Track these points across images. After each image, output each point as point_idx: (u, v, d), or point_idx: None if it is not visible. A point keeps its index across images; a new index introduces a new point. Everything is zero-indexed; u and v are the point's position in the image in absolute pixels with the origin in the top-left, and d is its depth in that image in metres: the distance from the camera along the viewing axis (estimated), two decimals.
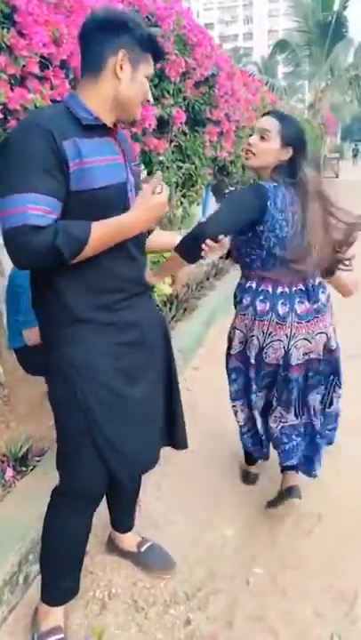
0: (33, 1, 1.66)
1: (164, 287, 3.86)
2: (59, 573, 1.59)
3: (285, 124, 1.82)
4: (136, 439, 1.47)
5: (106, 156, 1.31)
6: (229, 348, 2.09)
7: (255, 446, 2.23)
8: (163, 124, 3.36)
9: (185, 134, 3.96)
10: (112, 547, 1.94)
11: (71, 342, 1.37)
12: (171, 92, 3.22)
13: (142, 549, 1.89)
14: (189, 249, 1.65)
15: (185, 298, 4.13)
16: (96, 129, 1.30)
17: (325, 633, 1.64)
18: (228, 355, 2.11)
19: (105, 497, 1.86)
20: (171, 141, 3.82)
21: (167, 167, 3.71)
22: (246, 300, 1.93)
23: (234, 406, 2.18)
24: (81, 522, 1.55)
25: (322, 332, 1.92)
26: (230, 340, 2.08)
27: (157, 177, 1.30)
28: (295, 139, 1.82)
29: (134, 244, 1.39)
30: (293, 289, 1.88)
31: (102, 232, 1.26)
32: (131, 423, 1.46)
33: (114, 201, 1.29)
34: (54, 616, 1.60)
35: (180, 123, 3.41)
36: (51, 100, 1.95)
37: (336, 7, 14.62)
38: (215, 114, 4.11)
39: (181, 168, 4.09)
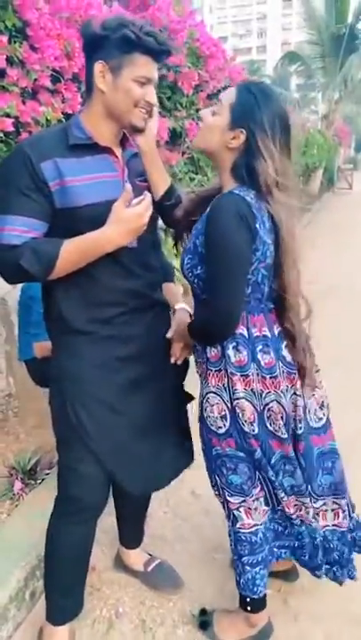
0: (45, 15, 1.67)
1: None
2: (61, 588, 1.55)
3: (243, 95, 1.29)
4: (135, 454, 1.46)
5: (95, 173, 1.32)
6: (227, 427, 1.42)
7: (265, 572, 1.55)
8: (175, 137, 3.37)
9: None
10: (120, 564, 1.91)
11: (67, 353, 1.41)
12: (183, 104, 3.22)
13: (149, 568, 1.85)
14: (211, 340, 1.40)
15: None
16: (87, 148, 1.32)
17: None
18: (222, 437, 1.44)
19: (115, 512, 1.83)
20: (183, 153, 3.83)
21: (180, 179, 3.71)
22: (242, 355, 1.37)
23: (237, 508, 1.50)
24: (80, 532, 1.52)
25: None
26: (226, 417, 1.41)
27: (127, 189, 1.27)
28: (250, 117, 1.27)
29: (132, 260, 1.39)
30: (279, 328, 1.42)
31: (75, 247, 1.27)
32: (129, 436, 1.45)
33: (105, 217, 1.27)
34: (58, 636, 1.57)
35: (193, 135, 3.41)
36: (62, 114, 1.96)
37: (350, 20, 14.66)
38: None
39: (194, 180, 4.09)
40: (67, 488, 1.48)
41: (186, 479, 2.40)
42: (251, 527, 1.50)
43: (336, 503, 1.57)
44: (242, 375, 1.36)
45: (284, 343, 1.39)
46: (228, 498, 1.49)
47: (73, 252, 1.28)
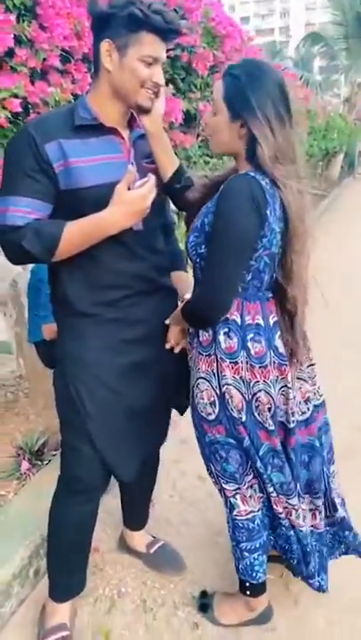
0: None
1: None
2: (63, 566, 1.58)
3: (228, 83, 1.26)
4: (134, 437, 1.47)
5: (100, 155, 1.30)
6: (216, 413, 1.40)
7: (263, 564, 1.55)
8: (190, 119, 3.32)
9: None
10: (123, 545, 1.93)
11: (71, 335, 1.42)
12: (198, 85, 3.17)
13: (152, 550, 1.87)
14: (201, 323, 1.38)
15: None
16: (93, 129, 1.30)
17: None
18: (212, 423, 1.42)
19: (120, 493, 1.85)
20: (198, 136, 3.78)
21: (194, 162, 3.67)
22: (232, 342, 1.34)
23: (233, 495, 1.49)
24: (81, 511, 1.53)
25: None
26: (215, 403, 1.40)
27: (130, 170, 1.25)
28: (241, 102, 1.23)
29: (137, 242, 1.38)
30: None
31: (78, 229, 1.27)
32: (127, 420, 1.45)
33: (109, 199, 1.26)
34: (60, 613, 1.60)
35: None
36: (72, 94, 1.94)
37: None
38: None
39: (209, 163, 4.04)
40: (68, 468, 1.49)
41: (193, 463, 2.42)
42: (247, 514, 1.50)
43: (313, 503, 1.56)
44: (231, 362, 1.35)
45: (278, 333, 1.36)
46: (224, 485, 1.49)
47: (76, 233, 1.27)
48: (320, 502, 1.55)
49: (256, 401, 1.37)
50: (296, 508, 1.48)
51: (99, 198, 1.27)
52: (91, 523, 1.58)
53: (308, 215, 1.32)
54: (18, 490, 2.07)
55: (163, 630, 1.64)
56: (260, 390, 1.36)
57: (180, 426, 2.79)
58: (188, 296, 1.54)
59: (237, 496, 1.50)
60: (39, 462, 2.18)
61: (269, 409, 1.37)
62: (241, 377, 1.36)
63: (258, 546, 1.54)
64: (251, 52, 3.84)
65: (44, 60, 1.73)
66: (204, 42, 3.03)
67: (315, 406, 1.50)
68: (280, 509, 1.48)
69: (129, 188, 1.26)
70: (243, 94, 1.23)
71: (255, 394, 1.36)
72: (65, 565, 1.58)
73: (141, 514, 1.91)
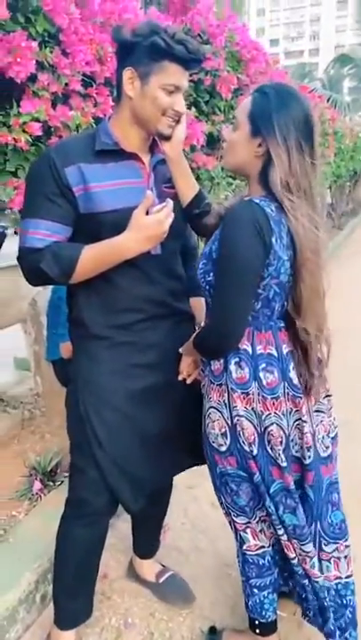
0: (76, 21, 1.67)
1: None
2: (68, 591, 1.55)
3: (257, 101, 1.24)
4: (144, 464, 1.44)
5: (120, 179, 1.32)
6: (227, 444, 1.35)
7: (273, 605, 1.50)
8: (213, 141, 3.33)
9: None
10: (132, 572, 1.89)
11: (84, 356, 1.42)
12: (222, 108, 3.18)
13: (161, 580, 1.82)
14: (211, 353, 1.35)
15: None
16: (113, 154, 1.32)
17: None
18: (224, 455, 1.37)
19: (131, 520, 1.81)
20: (221, 158, 3.79)
21: (217, 183, 3.68)
22: (243, 372, 1.29)
23: (244, 529, 1.44)
24: (87, 535, 1.50)
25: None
26: (226, 434, 1.34)
27: (148, 196, 1.25)
28: (263, 122, 1.21)
29: (154, 267, 1.38)
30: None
31: (95, 252, 1.28)
32: (138, 447, 1.42)
33: (127, 223, 1.26)
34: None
35: None
36: (93, 118, 1.96)
37: None
38: None
39: (232, 184, 4.04)
40: (75, 490, 1.47)
41: (206, 489, 2.37)
42: (258, 549, 1.45)
43: (348, 546, 1.46)
44: (242, 392, 1.30)
45: (292, 364, 1.31)
46: (234, 518, 1.44)
47: (92, 257, 1.28)
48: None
49: (268, 434, 1.31)
50: (311, 555, 1.37)
51: (117, 222, 1.27)
52: (97, 547, 1.55)
53: (323, 248, 1.28)
54: (29, 510, 2.05)
55: None
56: (272, 423, 1.30)
57: None
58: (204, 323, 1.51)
59: (248, 530, 1.44)
60: (51, 483, 2.16)
61: (281, 442, 1.31)
62: (253, 408, 1.30)
63: (268, 583, 1.48)
64: (276, 74, 3.85)
65: (66, 84, 1.76)
66: (229, 65, 3.04)
67: (331, 438, 1.45)
68: (292, 554, 1.39)
69: (147, 213, 1.26)
70: (268, 112, 1.21)
71: (267, 427, 1.30)
72: (70, 590, 1.54)
73: (151, 542, 1.86)
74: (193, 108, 2.88)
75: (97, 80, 1.93)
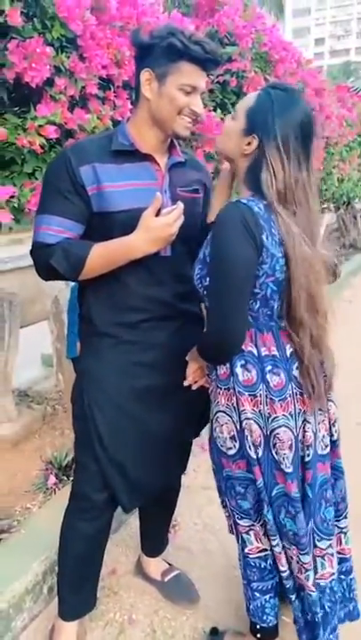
0: (90, 27, 1.70)
1: None
2: (71, 583, 1.58)
3: (260, 100, 1.24)
4: (144, 464, 1.45)
5: (133, 180, 1.33)
6: (237, 447, 1.34)
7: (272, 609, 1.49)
8: None
9: None
10: (139, 570, 1.91)
11: (90, 353, 1.44)
12: None
13: (167, 578, 1.84)
14: (215, 359, 1.34)
15: None
16: (129, 154, 1.34)
17: None
18: (232, 458, 1.36)
19: (139, 518, 1.83)
20: None
21: None
22: (250, 374, 1.28)
23: (246, 531, 1.44)
24: (89, 530, 1.52)
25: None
26: (235, 437, 1.33)
27: (157, 197, 1.27)
28: (262, 122, 1.21)
29: (163, 268, 1.39)
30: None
31: (103, 251, 1.31)
32: (140, 446, 1.43)
33: (137, 224, 1.29)
34: (68, 632, 1.59)
35: None
36: (112, 121, 2.00)
37: None
38: None
39: None
40: (77, 484, 1.50)
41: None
42: (259, 551, 1.44)
43: (338, 527, 1.47)
44: (250, 395, 1.29)
45: (296, 364, 1.30)
46: (238, 520, 1.44)
47: (101, 255, 1.31)
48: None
49: (274, 438, 1.29)
50: (308, 567, 1.35)
51: (127, 223, 1.30)
52: (100, 541, 1.57)
53: (318, 263, 1.26)
54: (43, 503, 2.10)
55: None
56: (279, 426, 1.28)
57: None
58: None
59: (251, 532, 1.44)
60: (65, 478, 2.20)
61: (290, 447, 1.29)
62: (260, 410, 1.29)
63: (270, 587, 1.47)
64: (308, 74, 3.80)
65: (83, 88, 1.80)
66: (256, 66, 3.03)
67: (332, 442, 1.43)
68: (283, 567, 1.37)
69: (158, 215, 1.28)
70: (268, 113, 1.21)
71: (274, 430, 1.28)
72: (73, 583, 1.58)
73: (158, 541, 1.88)
74: (218, 110, 2.87)
75: (115, 83, 1.97)
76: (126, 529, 2.16)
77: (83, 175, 1.29)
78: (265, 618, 1.48)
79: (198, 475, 2.54)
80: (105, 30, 1.84)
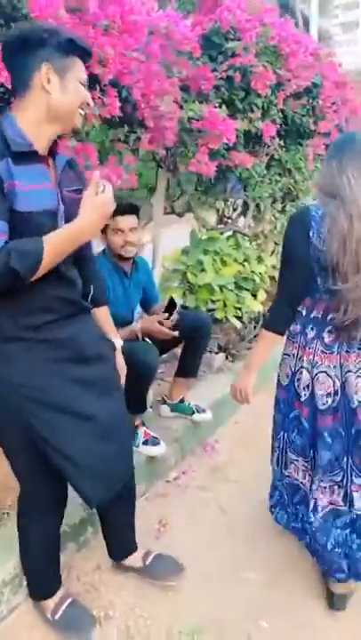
0: (67, 26, 1.72)
1: (252, 304, 3.75)
2: (33, 574, 1.68)
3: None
4: (94, 451, 1.44)
5: (35, 182, 1.29)
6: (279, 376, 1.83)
7: (287, 516, 1.93)
8: (250, 138, 3.28)
9: (284, 148, 3.82)
10: (119, 565, 1.91)
11: (5, 361, 1.37)
12: (259, 105, 3.11)
13: (148, 561, 1.85)
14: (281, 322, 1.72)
15: None
16: (27, 155, 1.27)
17: None
18: (278, 383, 1.84)
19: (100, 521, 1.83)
20: (267, 155, 3.71)
21: (258, 182, 3.60)
22: (298, 327, 1.71)
23: (274, 444, 1.89)
24: (39, 530, 1.58)
25: None
26: (280, 367, 1.82)
27: (95, 176, 1.28)
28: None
29: (66, 266, 1.37)
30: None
31: (55, 242, 1.26)
32: (84, 436, 1.43)
33: (41, 227, 1.26)
34: (54, 597, 1.68)
35: (271, 137, 3.28)
36: (101, 118, 2.03)
37: None
38: (322, 125, 3.89)
39: (279, 182, 3.94)
40: (22, 487, 1.54)
41: (218, 495, 2.34)
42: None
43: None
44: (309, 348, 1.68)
45: (328, 328, 1.65)
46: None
47: (54, 247, 1.26)
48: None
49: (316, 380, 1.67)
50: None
51: (41, 224, 1.27)
52: (50, 541, 1.63)
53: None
54: None
55: None
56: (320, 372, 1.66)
57: (215, 451, 2.72)
58: (117, 343, 1.68)
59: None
60: None
61: (308, 386, 1.69)
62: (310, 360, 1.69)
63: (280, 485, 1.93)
64: (327, 68, 3.70)
65: None
66: (265, 61, 2.97)
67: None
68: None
69: None
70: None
71: (317, 375, 1.67)
72: (35, 573, 1.68)
73: (124, 543, 1.87)
74: (223, 107, 2.84)
75: (102, 82, 1.98)
76: None
77: (1, 168, 1.22)
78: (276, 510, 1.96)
79: (197, 475, 2.52)
80: (88, 30, 1.85)
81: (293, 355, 1.73)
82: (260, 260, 4.02)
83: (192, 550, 2.02)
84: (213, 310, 3.54)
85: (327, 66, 3.74)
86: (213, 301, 3.51)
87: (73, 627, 1.63)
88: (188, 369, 2.62)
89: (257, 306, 3.78)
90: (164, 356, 2.99)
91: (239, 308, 3.69)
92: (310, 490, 1.75)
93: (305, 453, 1.76)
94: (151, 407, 2.73)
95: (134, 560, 1.86)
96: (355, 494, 1.68)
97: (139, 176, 4.33)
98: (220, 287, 3.49)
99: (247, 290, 3.76)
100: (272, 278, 3.87)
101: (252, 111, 3.13)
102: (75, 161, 1.50)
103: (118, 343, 1.67)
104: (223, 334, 3.73)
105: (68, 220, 1.32)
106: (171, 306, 2.39)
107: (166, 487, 2.41)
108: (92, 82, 1.93)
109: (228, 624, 1.70)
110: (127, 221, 2.32)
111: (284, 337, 1.75)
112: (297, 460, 1.80)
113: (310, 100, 3.69)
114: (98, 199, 1.29)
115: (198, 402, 2.76)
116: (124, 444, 1.59)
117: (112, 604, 1.79)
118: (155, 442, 2.34)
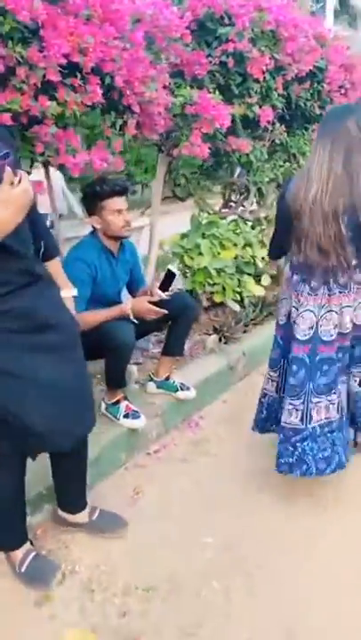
0: (42, 15, 1.81)
1: (254, 288, 3.81)
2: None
3: None
4: (52, 418, 1.57)
5: None
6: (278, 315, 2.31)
7: (265, 420, 2.44)
8: (247, 123, 3.31)
9: (289, 133, 3.83)
10: (61, 520, 2.03)
11: None
12: (255, 90, 3.14)
13: (94, 517, 2.02)
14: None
15: (274, 301, 4.00)
16: None
17: None
18: (277, 322, 2.32)
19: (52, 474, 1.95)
20: (270, 140, 3.73)
21: (258, 167, 3.64)
22: (289, 273, 2.19)
23: (268, 374, 2.38)
24: (2, 480, 1.70)
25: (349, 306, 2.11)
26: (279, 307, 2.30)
27: (8, 171, 1.32)
28: None
29: (16, 240, 1.44)
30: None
31: None
32: (45, 404, 1.55)
33: None
34: (12, 557, 1.83)
35: (268, 122, 3.30)
36: (85, 106, 2.12)
37: None
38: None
39: (283, 167, 3.96)
40: None
41: (199, 467, 2.46)
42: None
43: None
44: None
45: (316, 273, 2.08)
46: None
47: None
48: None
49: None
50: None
51: None
52: (16, 488, 1.75)
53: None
54: None
55: (93, 613, 1.72)
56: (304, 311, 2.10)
57: (199, 427, 2.81)
58: (66, 294, 1.78)
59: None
60: None
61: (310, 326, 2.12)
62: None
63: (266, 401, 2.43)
64: (333, 51, 3.67)
65: (44, 75, 1.91)
66: (262, 45, 2.98)
67: (339, 334, 2.13)
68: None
69: None
70: None
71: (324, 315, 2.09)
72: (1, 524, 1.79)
73: (75, 497, 2.00)
74: (217, 92, 2.88)
75: (83, 70, 2.06)
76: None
77: None
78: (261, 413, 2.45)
79: (178, 449, 2.63)
80: (68, 20, 1.94)
81: (288, 296, 2.19)
82: (263, 245, 4.05)
83: (160, 516, 2.15)
84: (213, 293, 3.62)
85: (333, 49, 3.71)
86: (212, 284, 3.58)
87: (36, 578, 1.79)
88: (173, 348, 2.72)
89: (259, 290, 3.83)
90: (156, 334, 3.10)
91: (240, 292, 3.75)
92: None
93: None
94: (140, 383, 2.85)
95: (82, 517, 2.01)
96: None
97: (140, 161, 4.40)
98: (219, 271, 3.55)
99: (249, 274, 3.81)
100: None
101: (250, 96, 3.16)
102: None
103: (72, 293, 1.82)
104: (224, 317, 3.80)
105: None
106: (168, 277, 2.46)
107: (146, 459, 2.53)
108: (72, 70, 2.02)
109: (181, 586, 1.82)
110: (124, 201, 2.41)
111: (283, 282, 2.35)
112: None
113: (316, 85, 3.68)
114: (14, 191, 1.33)
115: (187, 380, 2.86)
116: (85, 403, 1.72)
117: (80, 559, 1.93)
118: (135, 415, 2.45)
